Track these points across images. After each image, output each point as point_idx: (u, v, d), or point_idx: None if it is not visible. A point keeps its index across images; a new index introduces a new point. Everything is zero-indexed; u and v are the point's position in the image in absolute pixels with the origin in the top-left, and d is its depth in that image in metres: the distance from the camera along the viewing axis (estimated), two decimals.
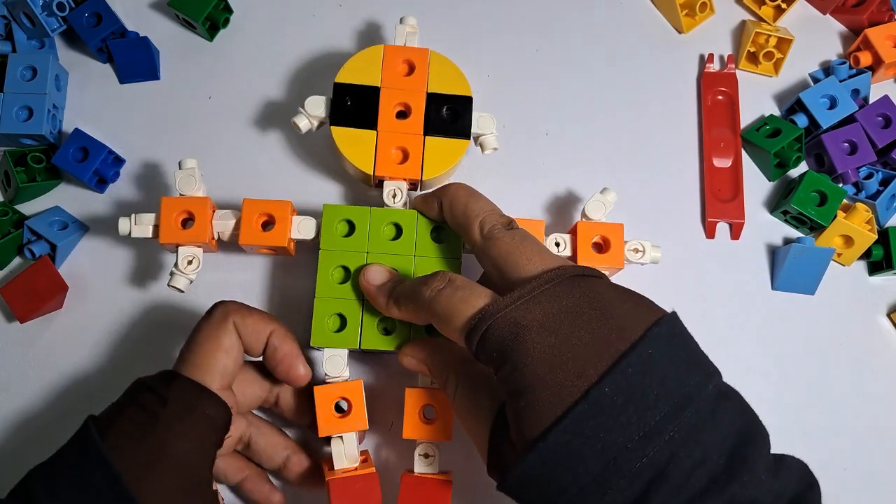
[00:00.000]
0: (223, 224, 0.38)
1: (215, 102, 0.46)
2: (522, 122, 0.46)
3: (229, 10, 0.47)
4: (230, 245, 0.40)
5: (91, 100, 0.45)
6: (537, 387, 0.28)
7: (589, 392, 0.27)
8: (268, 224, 0.38)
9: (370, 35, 0.48)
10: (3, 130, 0.42)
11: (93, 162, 0.42)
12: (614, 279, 0.35)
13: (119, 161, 0.44)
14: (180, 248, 0.38)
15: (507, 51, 0.48)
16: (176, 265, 0.38)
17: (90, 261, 0.43)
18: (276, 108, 0.46)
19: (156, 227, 0.38)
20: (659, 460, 0.26)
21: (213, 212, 0.38)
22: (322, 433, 0.36)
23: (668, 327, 0.29)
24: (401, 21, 0.42)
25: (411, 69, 0.41)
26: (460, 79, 0.41)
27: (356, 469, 0.36)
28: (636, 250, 0.39)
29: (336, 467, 0.36)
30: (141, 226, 0.38)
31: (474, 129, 0.41)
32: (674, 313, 0.30)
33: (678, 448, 0.27)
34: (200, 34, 0.47)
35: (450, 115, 0.41)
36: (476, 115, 0.41)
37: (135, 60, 0.45)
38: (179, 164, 0.39)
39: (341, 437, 0.36)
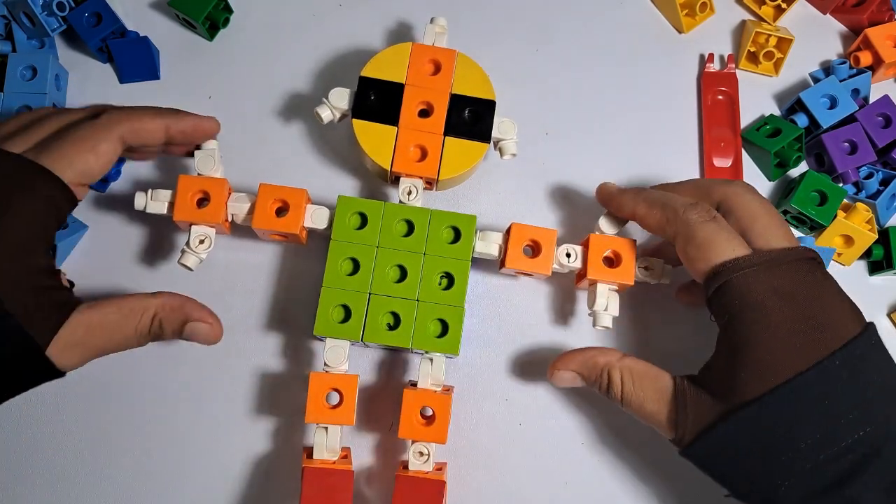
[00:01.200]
0: (238, 206, 0.38)
1: (215, 102, 0.46)
2: (522, 122, 0.46)
3: (229, 10, 0.47)
4: (242, 230, 0.40)
5: (91, 100, 0.45)
6: (771, 346, 0.30)
7: (821, 362, 0.29)
8: (282, 210, 0.38)
9: (370, 35, 0.48)
10: None
11: None
12: None
13: (120, 160, 0.44)
14: (193, 227, 0.38)
15: (507, 51, 0.48)
16: (188, 243, 0.38)
17: (90, 261, 0.43)
18: (276, 108, 0.46)
19: (171, 205, 0.38)
20: (875, 438, 0.29)
21: (230, 194, 0.39)
22: (309, 419, 0.36)
23: (876, 330, 0.32)
24: (431, 21, 0.42)
25: (437, 69, 0.41)
26: (485, 82, 0.41)
27: (334, 463, 0.36)
28: (647, 268, 0.39)
29: (315, 457, 0.36)
30: (157, 202, 0.38)
31: (495, 134, 0.41)
32: (873, 324, 0.32)
33: (894, 430, 0.29)
34: (200, 34, 0.47)
35: (471, 118, 0.41)
36: (497, 120, 0.41)
37: (135, 60, 0.45)
38: (199, 144, 0.39)
39: (326, 429, 0.36)
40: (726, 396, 0.31)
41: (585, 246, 0.39)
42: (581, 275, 0.39)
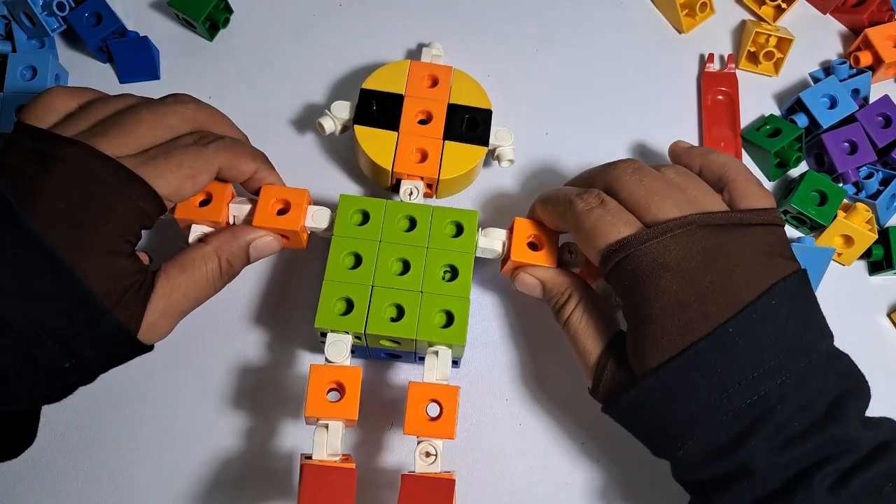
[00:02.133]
0: (239, 209, 0.39)
1: (215, 102, 0.45)
2: (522, 122, 0.46)
3: (229, 10, 0.47)
4: None
5: None
6: (664, 319, 0.31)
7: (715, 330, 0.30)
8: (283, 211, 0.38)
9: (371, 35, 0.48)
10: (4, 130, 0.42)
11: None
12: None
13: None
14: (193, 226, 0.38)
15: (507, 51, 0.48)
16: (187, 242, 0.38)
17: None
18: (276, 108, 0.46)
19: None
20: (768, 400, 0.30)
21: (232, 197, 0.39)
22: (308, 413, 0.34)
23: (793, 284, 0.32)
24: (427, 45, 0.44)
25: (435, 82, 0.43)
26: (481, 94, 0.43)
27: (336, 463, 0.34)
28: (570, 252, 0.39)
29: (315, 457, 0.34)
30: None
31: (492, 141, 0.42)
32: (803, 271, 0.32)
33: (787, 392, 0.30)
34: (200, 34, 0.47)
35: (469, 125, 0.42)
36: (495, 129, 0.42)
37: (135, 60, 0.45)
38: None
39: (326, 426, 0.34)
40: (634, 370, 0.32)
41: (510, 230, 0.39)
42: (505, 259, 0.39)
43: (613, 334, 0.35)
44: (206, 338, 0.41)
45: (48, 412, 0.40)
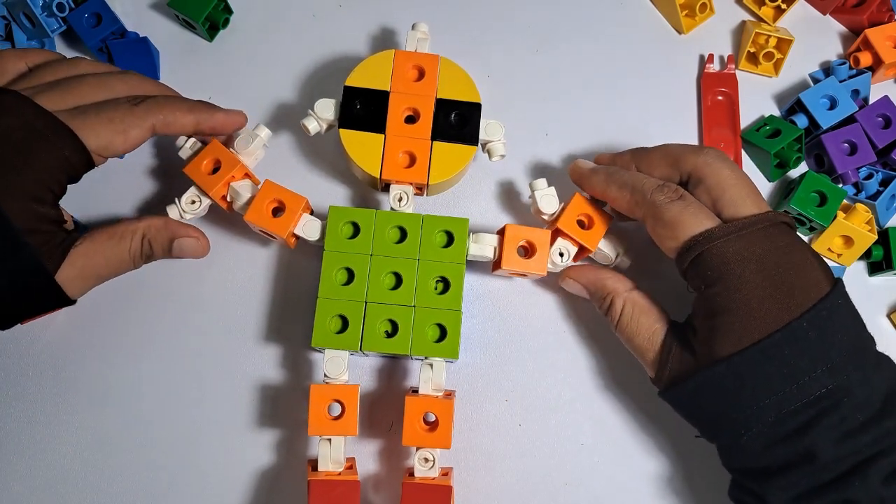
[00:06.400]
0: (238, 191, 0.39)
1: (214, 102, 0.46)
2: (522, 122, 0.46)
3: (229, 11, 0.47)
4: (241, 235, 0.41)
5: None
6: (743, 310, 0.33)
7: (790, 324, 0.32)
8: (278, 211, 0.39)
9: (370, 35, 0.48)
10: None
11: None
12: None
13: None
14: (193, 187, 0.39)
15: (507, 51, 0.48)
16: (179, 198, 0.39)
17: None
18: (276, 109, 0.46)
19: (191, 159, 0.39)
20: (836, 393, 0.31)
21: (244, 175, 0.39)
22: (312, 432, 0.36)
23: (844, 289, 0.34)
24: (413, 27, 0.42)
25: (421, 75, 0.41)
26: (469, 85, 0.41)
27: (339, 474, 0.36)
28: (561, 254, 0.39)
29: (320, 469, 0.36)
30: (186, 149, 0.40)
31: (482, 136, 0.41)
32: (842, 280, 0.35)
33: (854, 386, 0.31)
34: (200, 34, 0.47)
35: (458, 121, 0.41)
36: (484, 122, 0.41)
37: (135, 60, 0.45)
38: (256, 126, 0.41)
39: (329, 440, 0.36)
40: (703, 356, 0.34)
41: (501, 234, 0.39)
42: (497, 263, 0.39)
43: (666, 330, 0.36)
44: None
45: (49, 412, 0.40)
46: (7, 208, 0.32)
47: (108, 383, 0.41)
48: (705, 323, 0.34)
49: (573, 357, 0.42)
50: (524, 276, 0.41)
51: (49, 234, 0.34)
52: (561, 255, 0.39)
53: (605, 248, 0.40)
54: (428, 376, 0.37)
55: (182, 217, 0.39)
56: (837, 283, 0.34)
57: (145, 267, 0.41)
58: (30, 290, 0.34)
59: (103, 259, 0.37)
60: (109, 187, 0.43)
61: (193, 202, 0.39)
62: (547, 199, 0.40)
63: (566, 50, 0.48)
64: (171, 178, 0.44)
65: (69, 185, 0.36)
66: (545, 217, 0.40)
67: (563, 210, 0.39)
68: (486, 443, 0.41)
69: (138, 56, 0.45)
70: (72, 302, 0.36)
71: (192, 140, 0.40)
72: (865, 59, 0.47)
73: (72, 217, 0.39)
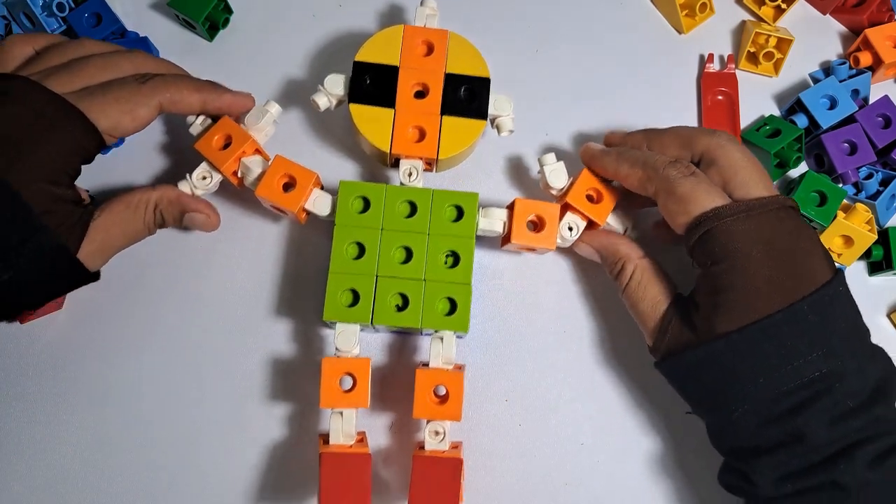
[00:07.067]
0: (249, 166, 0.39)
1: None
2: (522, 121, 0.46)
3: (229, 11, 0.47)
4: (252, 212, 0.41)
5: None
6: (748, 288, 0.33)
7: (792, 305, 0.32)
8: (289, 186, 0.39)
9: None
10: None
11: None
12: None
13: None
14: (204, 163, 0.39)
15: (507, 51, 0.48)
16: (191, 174, 0.39)
17: None
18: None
19: (201, 135, 0.40)
20: (830, 377, 0.32)
21: (254, 151, 0.39)
22: (323, 405, 0.36)
23: (844, 278, 0.34)
24: (421, 3, 0.42)
25: (430, 50, 0.41)
26: (479, 60, 0.41)
27: (351, 447, 0.36)
28: (570, 229, 0.40)
29: (332, 442, 0.36)
30: (196, 126, 0.40)
31: (491, 111, 0.41)
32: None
33: (848, 372, 0.32)
34: (200, 34, 0.47)
35: (467, 96, 0.41)
36: (493, 97, 0.41)
37: None
38: (266, 102, 0.41)
39: (341, 413, 0.36)
40: (703, 331, 0.34)
41: (511, 209, 0.39)
42: (506, 238, 0.39)
43: (670, 301, 0.37)
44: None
45: (49, 412, 0.40)
46: (25, 193, 0.32)
47: (108, 383, 0.41)
48: (708, 299, 0.34)
49: (573, 357, 0.42)
50: (533, 250, 0.41)
51: (67, 214, 0.34)
52: (570, 229, 0.40)
53: (613, 223, 0.40)
54: (438, 350, 0.37)
55: (193, 193, 0.40)
56: (839, 272, 0.34)
57: (152, 247, 0.42)
58: (54, 270, 0.35)
59: (120, 231, 0.37)
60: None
61: (204, 178, 0.40)
62: (556, 174, 0.40)
63: (566, 50, 0.48)
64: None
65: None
66: (554, 192, 0.40)
67: (572, 185, 0.40)
68: (486, 443, 0.41)
69: None
70: (96, 277, 0.37)
71: (203, 116, 0.40)
72: (865, 58, 0.47)
73: (87, 192, 0.39)
